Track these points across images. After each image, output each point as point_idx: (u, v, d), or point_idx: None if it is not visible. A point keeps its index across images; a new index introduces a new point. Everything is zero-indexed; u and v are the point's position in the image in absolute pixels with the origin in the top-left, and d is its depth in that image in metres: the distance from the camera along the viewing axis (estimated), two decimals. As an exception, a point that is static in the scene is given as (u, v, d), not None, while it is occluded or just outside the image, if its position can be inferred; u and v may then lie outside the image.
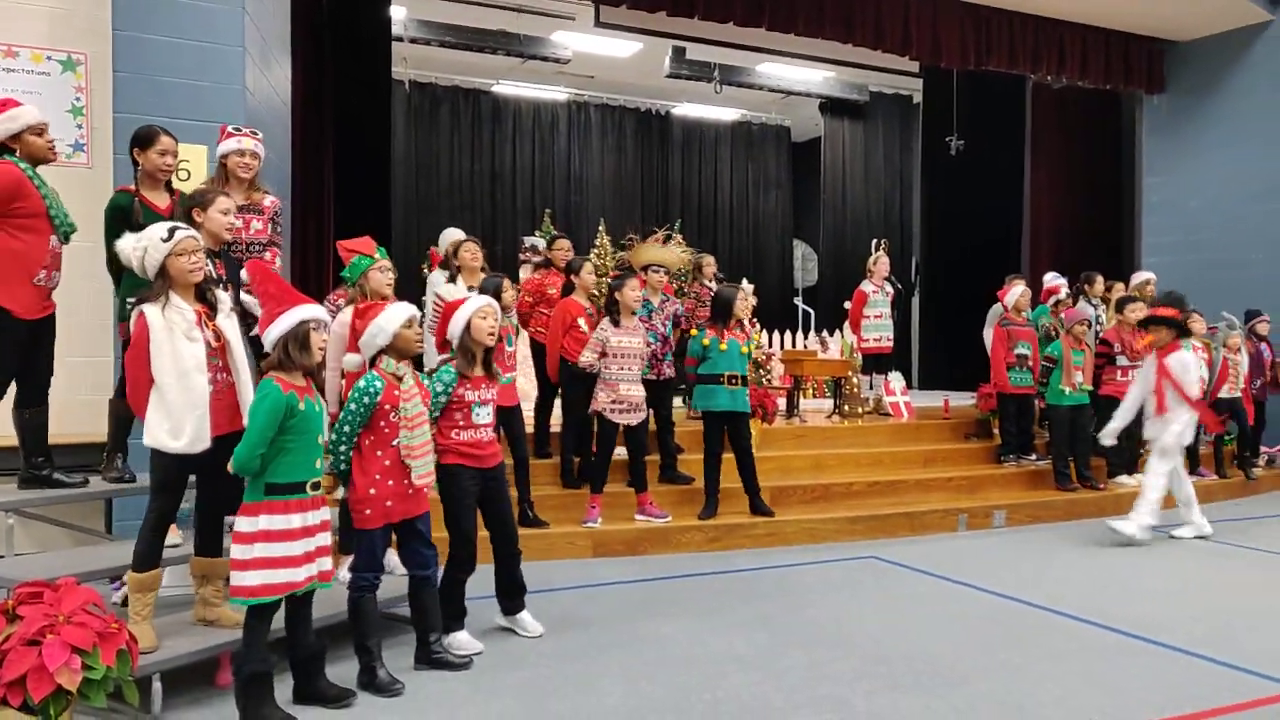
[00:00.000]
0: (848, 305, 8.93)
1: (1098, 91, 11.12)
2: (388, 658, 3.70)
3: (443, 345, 4.11)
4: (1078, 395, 7.57)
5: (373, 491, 3.64)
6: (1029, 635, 4.41)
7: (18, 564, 4.03)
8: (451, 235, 6.64)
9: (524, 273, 8.60)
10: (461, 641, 3.98)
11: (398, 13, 10.76)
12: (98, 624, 2.92)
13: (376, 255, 4.56)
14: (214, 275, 3.78)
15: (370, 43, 9.76)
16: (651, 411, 6.24)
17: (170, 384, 3.26)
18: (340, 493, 3.73)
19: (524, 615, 4.29)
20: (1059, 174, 11.82)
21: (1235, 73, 10.21)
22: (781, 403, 8.25)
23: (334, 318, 4.32)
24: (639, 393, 5.84)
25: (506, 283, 5.43)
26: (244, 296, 4.08)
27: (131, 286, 3.84)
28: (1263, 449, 9.03)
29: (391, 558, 4.29)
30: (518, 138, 14.74)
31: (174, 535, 3.82)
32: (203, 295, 3.47)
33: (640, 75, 13.61)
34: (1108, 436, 6.83)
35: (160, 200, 4.18)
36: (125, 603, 3.63)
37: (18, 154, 3.96)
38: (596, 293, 6.78)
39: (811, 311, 14.94)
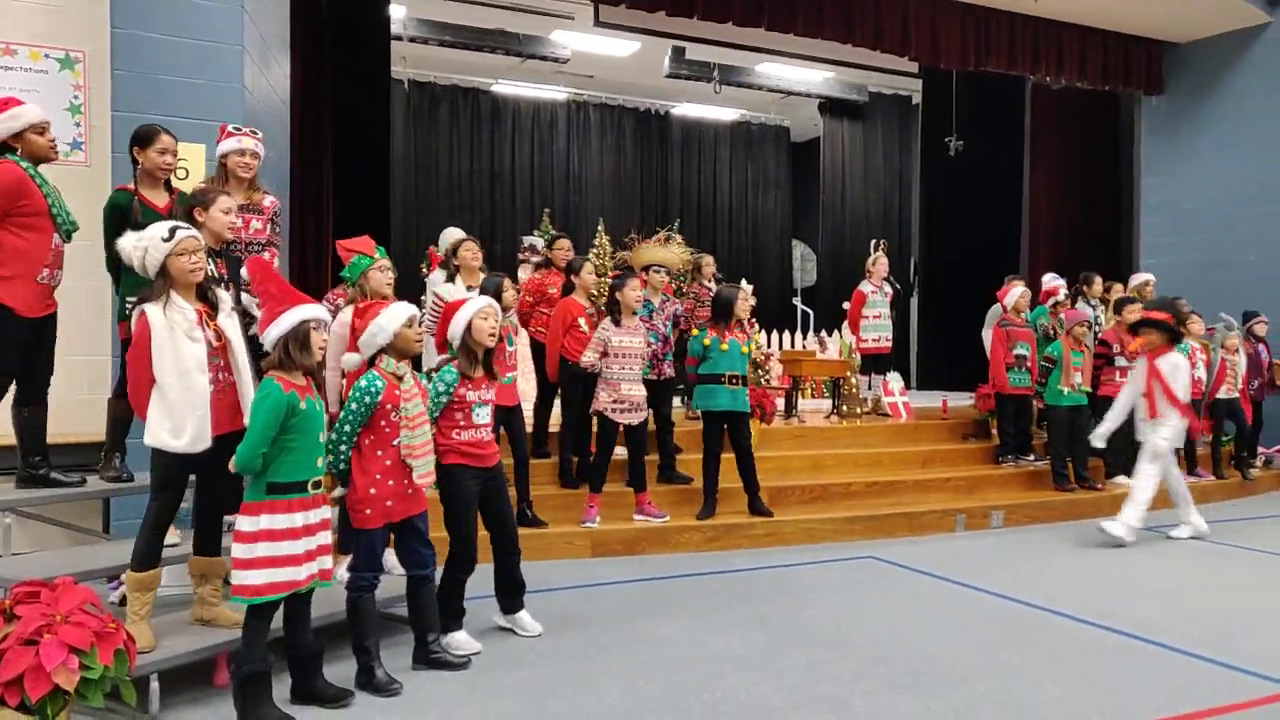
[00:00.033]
0: (846, 305, 8.93)
1: (1096, 92, 11.13)
2: (386, 657, 3.69)
3: (442, 345, 4.12)
4: (1076, 396, 7.57)
5: (373, 491, 3.64)
6: (1028, 635, 4.42)
7: (15, 563, 4.02)
8: (451, 234, 6.65)
9: (523, 272, 8.59)
10: (460, 641, 3.98)
11: (397, 11, 10.75)
12: (95, 623, 2.92)
13: (376, 255, 4.57)
14: (215, 274, 3.77)
15: (369, 41, 9.77)
16: (651, 411, 6.25)
17: (171, 383, 3.27)
18: (339, 492, 3.73)
19: (523, 615, 4.29)
20: (1058, 175, 11.82)
21: (1234, 74, 10.22)
22: (780, 403, 8.25)
23: (333, 317, 4.32)
24: (640, 392, 5.86)
25: (507, 282, 5.43)
26: (243, 296, 4.08)
27: (131, 285, 3.84)
28: (1260, 450, 9.03)
29: (390, 558, 4.28)
30: (517, 137, 14.73)
31: (172, 535, 3.81)
32: (204, 294, 3.47)
33: (639, 75, 13.61)
34: (1098, 439, 6.83)
35: (159, 199, 4.17)
36: (123, 602, 3.63)
37: (19, 153, 3.95)
38: (596, 293, 6.78)
39: (810, 312, 14.93)
